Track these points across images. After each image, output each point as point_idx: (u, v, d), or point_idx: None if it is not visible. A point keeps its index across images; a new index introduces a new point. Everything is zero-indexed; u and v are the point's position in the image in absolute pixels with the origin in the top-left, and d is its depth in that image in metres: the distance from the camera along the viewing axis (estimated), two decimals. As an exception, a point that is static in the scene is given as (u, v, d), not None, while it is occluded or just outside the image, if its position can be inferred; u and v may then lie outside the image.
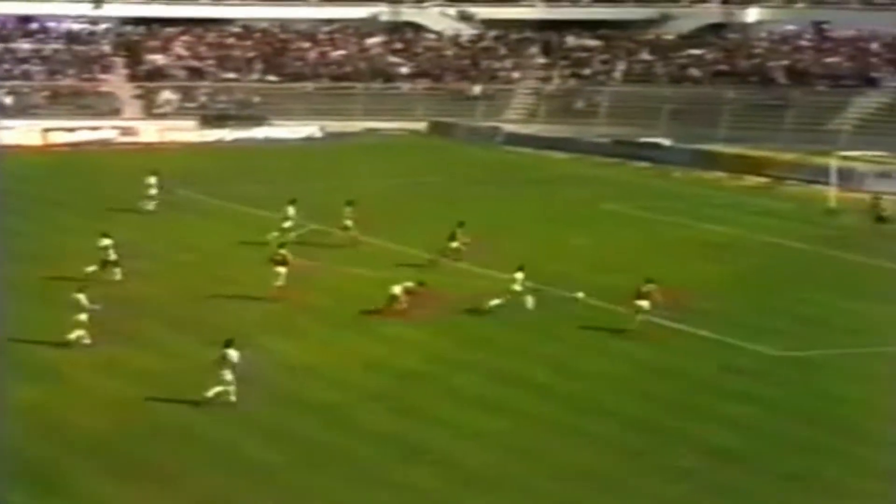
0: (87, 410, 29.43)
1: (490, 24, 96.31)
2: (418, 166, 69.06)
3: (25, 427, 27.86)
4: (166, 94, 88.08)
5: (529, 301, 38.14)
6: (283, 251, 40.95)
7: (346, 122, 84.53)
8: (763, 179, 65.44)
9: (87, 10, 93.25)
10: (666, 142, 74.07)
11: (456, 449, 27.61)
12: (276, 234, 46.39)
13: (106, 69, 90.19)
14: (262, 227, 49.02)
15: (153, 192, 54.17)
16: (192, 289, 40.75)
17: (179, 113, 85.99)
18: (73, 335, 33.93)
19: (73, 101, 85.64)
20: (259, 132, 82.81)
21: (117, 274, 41.31)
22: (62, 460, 26.62)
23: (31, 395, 29.96)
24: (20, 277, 39.96)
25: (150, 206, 53.94)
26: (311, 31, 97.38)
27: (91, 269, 40.59)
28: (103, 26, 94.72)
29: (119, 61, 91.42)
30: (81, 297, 34.45)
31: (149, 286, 40.92)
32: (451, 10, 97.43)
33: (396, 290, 38.04)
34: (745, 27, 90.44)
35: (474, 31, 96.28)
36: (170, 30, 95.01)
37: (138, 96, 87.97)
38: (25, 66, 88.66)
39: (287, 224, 48.04)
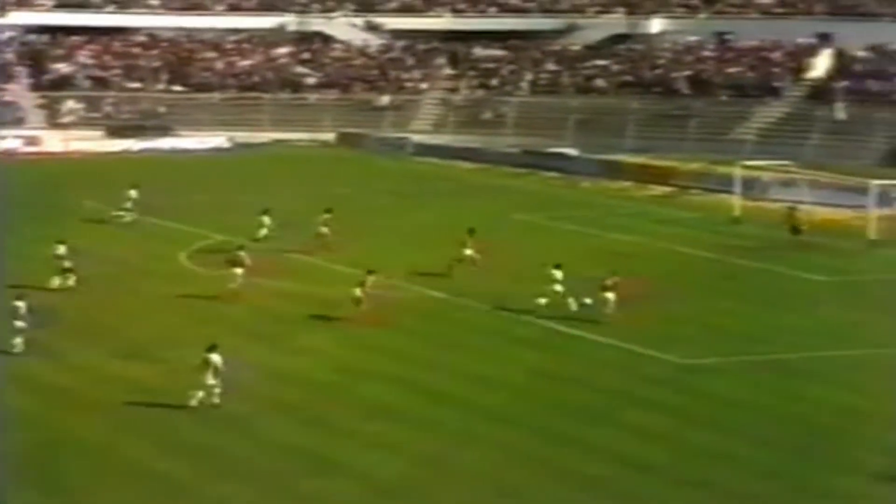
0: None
1: (397, 34, 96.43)
2: (328, 177, 68.93)
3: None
4: (70, 104, 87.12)
5: (573, 303, 38.73)
6: (241, 253, 41.90)
7: (253, 133, 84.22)
8: (669, 189, 66.20)
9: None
10: (573, 152, 74.68)
11: (363, 459, 27.63)
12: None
13: (9, 78, 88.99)
14: (173, 240, 48.73)
15: (129, 204, 54.41)
16: (104, 300, 40.41)
17: (84, 123, 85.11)
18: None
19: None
20: (165, 143, 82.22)
21: (70, 279, 41.72)
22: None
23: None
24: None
25: (129, 217, 54.02)
26: (217, 40, 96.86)
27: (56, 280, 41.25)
28: (7, 35, 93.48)
29: (23, 70, 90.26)
30: (20, 304, 34.59)
31: (79, 297, 40.60)
32: (359, 21, 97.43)
33: (357, 291, 38.19)
34: (649, 38, 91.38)
35: (382, 42, 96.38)
36: (74, 38, 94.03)
37: (42, 106, 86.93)
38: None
39: (263, 232, 48.71)
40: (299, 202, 57.41)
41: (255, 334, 37.05)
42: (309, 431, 29.28)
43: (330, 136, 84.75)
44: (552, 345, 36.55)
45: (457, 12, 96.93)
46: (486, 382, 32.87)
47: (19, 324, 34.60)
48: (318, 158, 78.14)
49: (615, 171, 70.14)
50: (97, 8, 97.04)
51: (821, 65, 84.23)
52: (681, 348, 35.90)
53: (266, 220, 49.50)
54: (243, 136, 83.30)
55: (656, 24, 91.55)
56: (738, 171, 58.89)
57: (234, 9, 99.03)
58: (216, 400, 30.37)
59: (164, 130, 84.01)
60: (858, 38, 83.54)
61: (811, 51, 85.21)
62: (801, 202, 58.63)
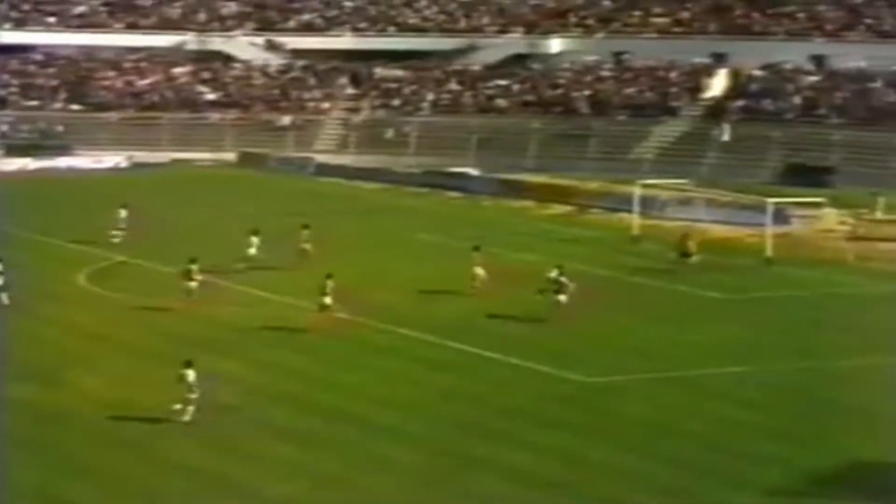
0: None
1: (298, 53, 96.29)
2: (229, 197, 68.63)
3: None
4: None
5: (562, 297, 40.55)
6: (194, 266, 42.36)
7: (153, 153, 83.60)
8: (569, 208, 66.80)
9: None
10: (475, 171, 75.13)
11: (264, 480, 27.55)
12: (241, 265, 47.55)
13: None
14: (69, 259, 48.21)
15: (122, 224, 53.83)
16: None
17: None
18: None
19: None
20: (63, 161, 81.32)
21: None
22: None
23: None
24: None
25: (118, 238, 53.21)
26: (116, 59, 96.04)
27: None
28: None
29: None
30: None
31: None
32: (259, 40, 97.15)
33: (327, 300, 38.89)
34: (548, 58, 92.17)
35: (283, 61, 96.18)
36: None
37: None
38: None
39: (252, 251, 48.37)
40: (197, 222, 57.13)
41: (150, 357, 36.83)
42: (210, 453, 29.13)
43: (231, 156, 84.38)
44: (456, 364, 36.69)
45: (357, 32, 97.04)
46: (388, 402, 32.91)
47: None
48: (219, 178, 77.74)
49: (516, 190, 70.65)
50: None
51: (717, 84, 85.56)
52: (584, 367, 36.23)
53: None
54: (142, 155, 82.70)
55: (555, 44, 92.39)
56: (636, 190, 59.58)
57: (132, 27, 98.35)
58: (188, 418, 30.67)
59: (61, 149, 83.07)
60: (753, 57, 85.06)
61: (707, 70, 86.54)
62: (699, 221, 59.64)
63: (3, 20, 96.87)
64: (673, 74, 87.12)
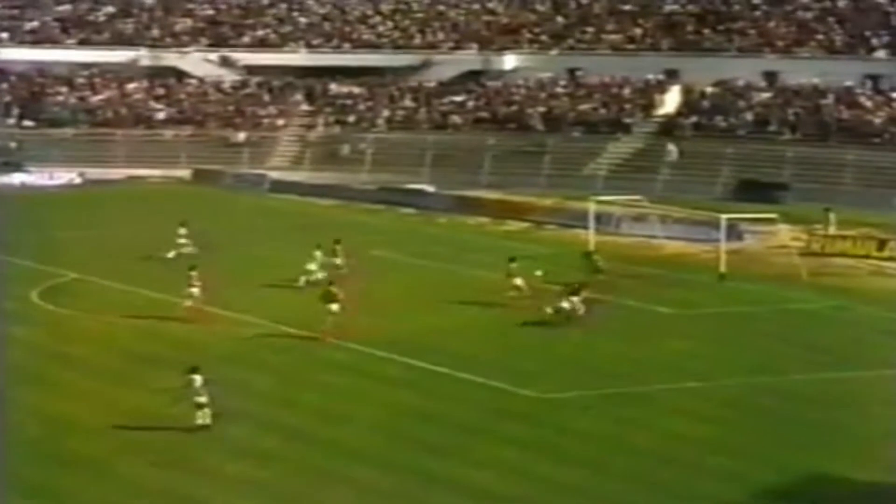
0: None
1: (253, 70, 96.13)
2: (182, 214, 68.17)
3: None
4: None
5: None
6: (193, 273, 43.24)
7: (106, 169, 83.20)
8: (524, 224, 66.95)
9: None
10: (430, 188, 75.17)
11: (221, 499, 27.46)
12: (303, 278, 47.96)
13: None
14: (23, 278, 47.93)
15: (182, 241, 54.18)
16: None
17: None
18: None
19: None
20: (15, 178, 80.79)
21: None
22: None
23: None
24: None
25: (171, 253, 53.27)
26: (68, 75, 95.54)
27: None
28: None
29: None
30: None
31: None
32: (213, 56, 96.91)
33: (333, 307, 40.11)
34: (502, 74, 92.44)
35: (237, 77, 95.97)
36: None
37: None
38: None
39: (312, 266, 48.61)
40: (149, 238, 56.92)
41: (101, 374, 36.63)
42: (165, 471, 29.00)
43: (185, 173, 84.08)
44: (410, 381, 36.70)
45: (312, 48, 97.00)
46: (344, 420, 32.89)
47: None
48: (173, 195, 77.41)
49: (471, 206, 70.76)
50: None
51: (669, 101, 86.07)
52: (538, 383, 36.31)
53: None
54: (96, 172, 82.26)
55: (509, 61, 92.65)
56: (591, 207, 59.79)
57: (85, 43, 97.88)
58: (201, 421, 31.31)
59: (13, 166, 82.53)
60: (705, 73, 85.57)
61: (660, 87, 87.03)
62: (653, 236, 59.98)
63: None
64: (626, 91, 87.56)
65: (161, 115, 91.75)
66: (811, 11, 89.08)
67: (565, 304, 43.05)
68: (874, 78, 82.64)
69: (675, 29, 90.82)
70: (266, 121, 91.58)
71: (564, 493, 28.18)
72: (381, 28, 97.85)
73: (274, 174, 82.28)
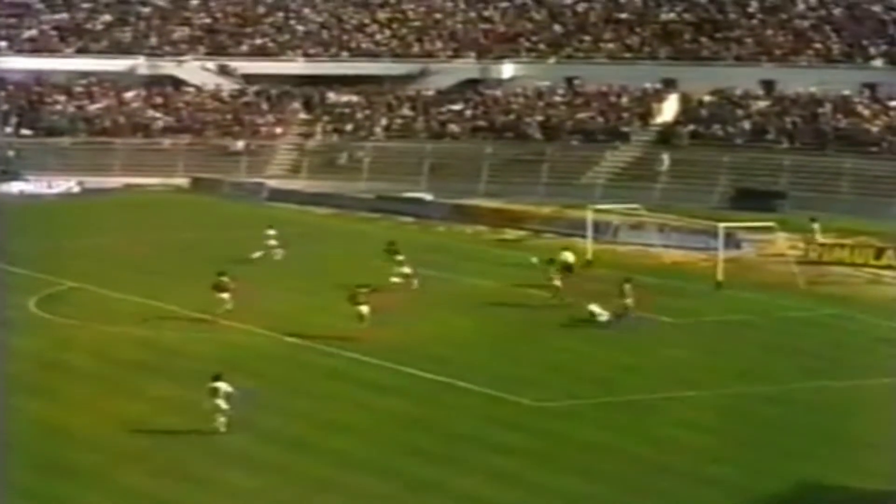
0: None
1: (251, 78, 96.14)
2: (179, 223, 68.40)
3: None
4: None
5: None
6: (225, 278, 44.09)
7: (104, 178, 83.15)
8: (522, 232, 66.97)
9: None
10: (428, 196, 75.19)
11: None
12: (395, 279, 49.57)
13: None
14: (21, 286, 47.94)
15: (271, 242, 56.17)
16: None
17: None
18: None
19: None
20: (14, 187, 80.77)
21: None
22: None
23: None
24: None
25: (258, 254, 55.38)
26: (66, 83, 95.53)
27: None
28: None
29: None
30: None
31: None
32: (211, 64, 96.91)
33: (363, 310, 41.40)
34: (500, 83, 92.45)
35: (235, 86, 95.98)
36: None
37: None
38: None
39: (403, 269, 50.10)
40: (147, 248, 57.02)
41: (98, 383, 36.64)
42: (160, 480, 29.00)
43: (183, 182, 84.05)
44: (404, 388, 36.71)
45: (309, 56, 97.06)
46: (341, 428, 32.90)
47: None
48: (171, 203, 77.43)
49: (469, 215, 70.78)
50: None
51: (667, 110, 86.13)
52: (534, 391, 36.32)
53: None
54: (94, 180, 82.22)
55: (507, 70, 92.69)
56: (589, 215, 59.83)
57: (83, 51, 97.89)
58: (222, 428, 31.66)
59: (12, 175, 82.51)
60: (702, 82, 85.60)
61: (657, 96, 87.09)
62: (651, 245, 60.00)
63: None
64: (624, 100, 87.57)
65: (159, 124, 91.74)
66: (808, 20, 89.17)
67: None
68: (871, 86, 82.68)
69: (673, 37, 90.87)
70: (264, 129, 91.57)
71: (559, 501, 28.20)
72: (378, 37, 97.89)
73: (272, 182, 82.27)
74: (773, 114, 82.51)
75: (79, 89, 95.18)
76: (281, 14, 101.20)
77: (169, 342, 41.33)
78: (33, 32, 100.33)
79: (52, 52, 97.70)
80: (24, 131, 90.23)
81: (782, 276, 53.29)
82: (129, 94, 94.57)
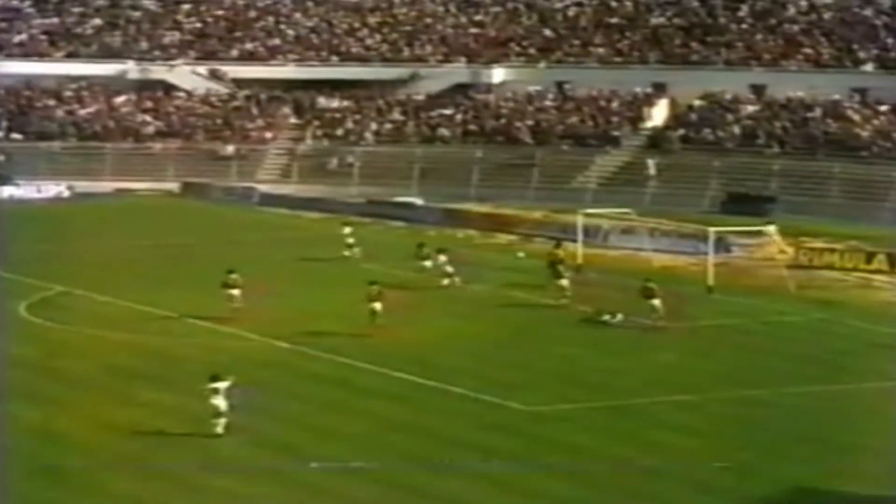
0: None
1: (241, 83, 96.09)
2: (170, 227, 68.33)
3: None
4: None
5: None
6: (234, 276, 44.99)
7: (95, 182, 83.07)
8: (513, 237, 66.99)
9: None
10: (419, 201, 75.21)
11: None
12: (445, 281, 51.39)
13: None
14: (11, 291, 47.88)
15: (349, 241, 58.80)
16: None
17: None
18: None
19: None
20: (4, 191, 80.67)
21: None
22: None
23: None
24: None
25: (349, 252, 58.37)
26: (57, 88, 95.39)
27: None
28: None
29: None
30: None
31: None
32: (201, 69, 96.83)
33: (377, 306, 42.82)
34: (490, 87, 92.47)
35: (225, 90, 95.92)
36: None
37: None
38: None
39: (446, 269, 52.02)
40: (137, 252, 56.95)
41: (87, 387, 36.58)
42: (151, 485, 28.96)
43: (174, 186, 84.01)
44: (398, 394, 36.70)
45: (300, 61, 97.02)
46: (332, 434, 32.87)
47: None
48: (162, 208, 77.37)
49: (460, 219, 70.80)
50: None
51: (657, 114, 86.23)
52: (527, 396, 36.33)
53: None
54: (84, 185, 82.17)
55: (498, 74, 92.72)
56: (579, 220, 59.86)
57: (73, 56, 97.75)
58: (220, 430, 31.62)
59: (2, 179, 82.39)
60: (692, 86, 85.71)
61: (647, 100, 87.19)
62: (642, 249, 60.04)
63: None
64: (614, 104, 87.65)
65: (149, 128, 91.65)
66: (798, 24, 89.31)
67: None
68: (861, 91, 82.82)
69: (663, 42, 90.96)
70: (254, 134, 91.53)
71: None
72: (369, 41, 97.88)
73: (262, 187, 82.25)
74: (763, 118, 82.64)
75: (69, 94, 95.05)
76: (271, 18, 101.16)
77: (160, 346, 41.26)
78: (23, 37, 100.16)
79: (42, 56, 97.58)
80: (15, 136, 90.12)
81: (773, 280, 53.37)
82: (119, 99, 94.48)
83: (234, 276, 45.22)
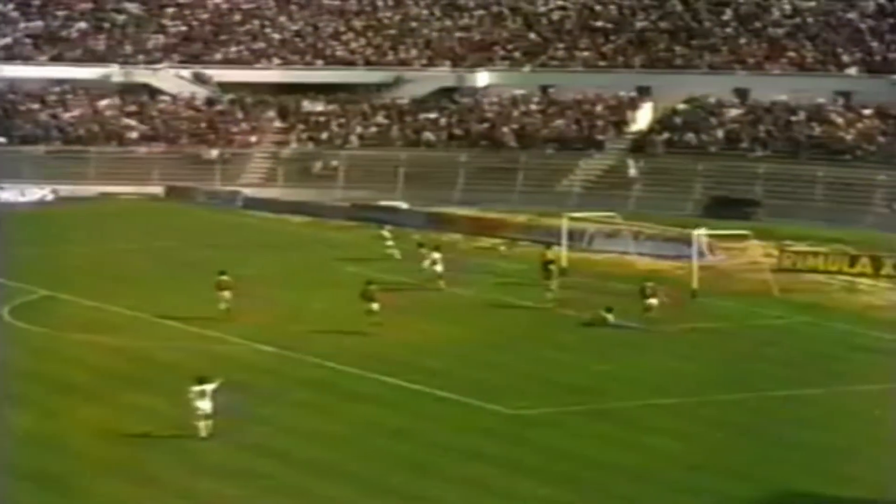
0: None
1: (225, 86, 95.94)
2: (155, 231, 68.25)
3: None
4: None
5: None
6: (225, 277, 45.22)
7: (79, 186, 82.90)
8: (497, 240, 67.03)
9: None
10: (403, 205, 75.23)
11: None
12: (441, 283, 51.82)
13: None
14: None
15: (389, 243, 60.11)
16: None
17: None
18: None
19: None
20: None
21: None
22: None
23: None
24: None
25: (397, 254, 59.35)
26: (40, 91, 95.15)
27: None
28: None
29: None
30: None
31: None
32: (186, 72, 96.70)
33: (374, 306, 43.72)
34: (475, 91, 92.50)
35: (210, 94, 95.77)
36: None
37: None
38: None
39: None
40: (121, 256, 56.84)
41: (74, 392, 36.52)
42: (133, 488, 28.91)
43: (158, 190, 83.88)
44: (381, 397, 36.70)
45: (285, 65, 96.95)
46: (315, 436, 32.86)
47: None
48: (146, 212, 77.27)
49: (445, 223, 70.84)
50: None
51: (641, 118, 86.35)
52: (511, 399, 36.35)
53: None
54: (68, 189, 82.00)
55: (482, 78, 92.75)
56: (564, 223, 59.92)
57: (57, 59, 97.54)
58: (204, 433, 31.62)
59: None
60: (676, 90, 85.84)
61: (632, 104, 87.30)
62: (626, 253, 60.13)
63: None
64: (599, 108, 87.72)
65: (134, 132, 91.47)
66: (782, 28, 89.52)
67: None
68: (845, 94, 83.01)
69: (647, 46, 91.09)
70: (239, 137, 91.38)
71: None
72: (353, 45, 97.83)
73: (247, 191, 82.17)
74: (746, 122, 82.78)
75: (53, 97, 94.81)
76: (256, 22, 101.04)
77: (144, 350, 41.20)
78: (7, 40, 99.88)
79: (26, 59, 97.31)
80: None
81: (757, 283, 53.48)
82: (103, 103, 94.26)
83: (225, 277, 45.46)
